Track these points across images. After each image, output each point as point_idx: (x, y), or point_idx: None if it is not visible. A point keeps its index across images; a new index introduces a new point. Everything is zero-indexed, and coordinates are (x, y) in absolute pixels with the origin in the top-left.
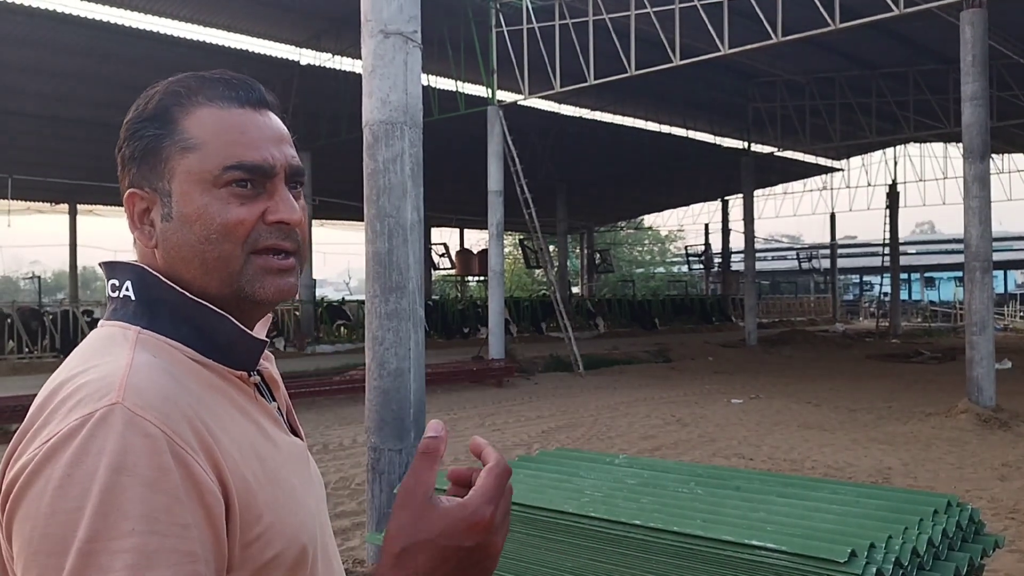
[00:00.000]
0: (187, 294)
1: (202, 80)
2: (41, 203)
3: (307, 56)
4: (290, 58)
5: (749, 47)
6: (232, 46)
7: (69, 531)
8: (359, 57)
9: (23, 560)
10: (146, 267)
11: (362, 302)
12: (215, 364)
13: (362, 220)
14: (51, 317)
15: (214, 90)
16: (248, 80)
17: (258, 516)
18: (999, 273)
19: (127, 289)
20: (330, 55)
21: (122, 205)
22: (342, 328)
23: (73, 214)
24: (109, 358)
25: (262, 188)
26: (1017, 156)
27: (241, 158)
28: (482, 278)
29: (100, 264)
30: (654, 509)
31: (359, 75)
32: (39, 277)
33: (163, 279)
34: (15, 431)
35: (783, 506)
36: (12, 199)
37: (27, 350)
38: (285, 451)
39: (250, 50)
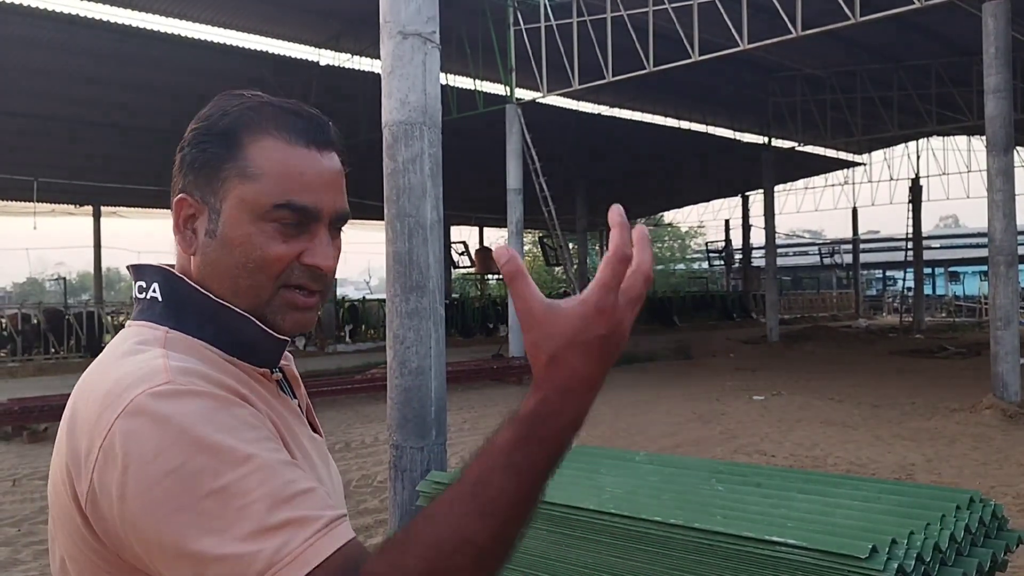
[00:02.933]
0: (212, 296)
1: (277, 110)
2: (66, 205)
3: (326, 57)
4: (309, 59)
5: (768, 42)
6: (252, 48)
7: (191, 481)
8: (378, 57)
9: (151, 527)
10: (172, 270)
11: (382, 301)
12: (239, 361)
13: (382, 219)
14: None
15: (285, 123)
16: (319, 118)
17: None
18: (1022, 267)
19: (154, 291)
20: (349, 56)
21: (144, 207)
22: (359, 329)
23: (97, 216)
24: (145, 354)
25: (305, 228)
26: None
27: (293, 198)
28: (501, 276)
29: (128, 267)
30: (675, 506)
31: (378, 75)
32: (64, 278)
33: (189, 282)
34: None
35: (804, 502)
36: (37, 201)
37: (53, 351)
38: (308, 446)
39: (269, 51)
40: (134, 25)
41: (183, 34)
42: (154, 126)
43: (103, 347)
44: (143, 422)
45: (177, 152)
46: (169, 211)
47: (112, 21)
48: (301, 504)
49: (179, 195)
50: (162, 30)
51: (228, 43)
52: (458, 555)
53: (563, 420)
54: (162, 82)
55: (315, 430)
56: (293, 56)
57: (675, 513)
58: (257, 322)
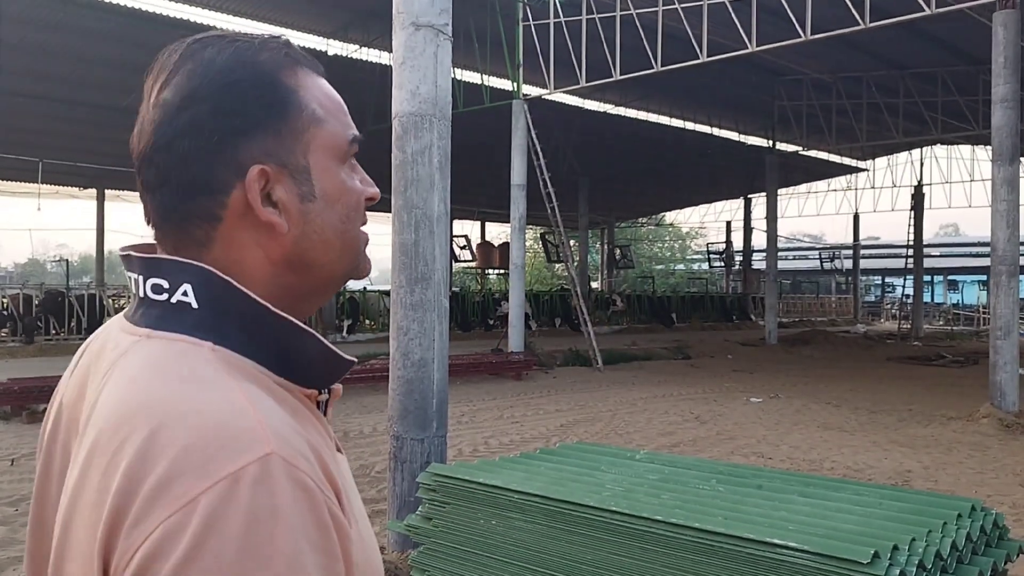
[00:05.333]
0: (268, 306)
1: (290, 46)
2: (70, 187)
3: (334, 47)
4: (317, 48)
5: (777, 45)
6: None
7: None
8: (386, 48)
9: None
10: (212, 269)
11: (382, 292)
12: (290, 385)
13: (384, 210)
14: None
15: (305, 59)
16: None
17: (357, 554)
18: (1023, 278)
19: (184, 294)
20: (357, 47)
21: None
22: (359, 320)
23: (101, 199)
24: (210, 389)
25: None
26: None
27: (354, 129)
28: (502, 271)
29: (130, 257)
30: (675, 505)
31: (385, 66)
32: (67, 261)
33: (236, 284)
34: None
35: (805, 506)
36: (42, 183)
37: (54, 332)
38: (346, 473)
39: None
40: (142, 8)
41: (192, 19)
42: None
43: None
44: (233, 513)
45: (202, 123)
46: None
47: (121, 3)
48: None
49: (256, 167)
50: (172, 15)
51: (237, 30)
52: None
53: None
54: None
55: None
56: (301, 45)
57: (676, 512)
58: (322, 339)
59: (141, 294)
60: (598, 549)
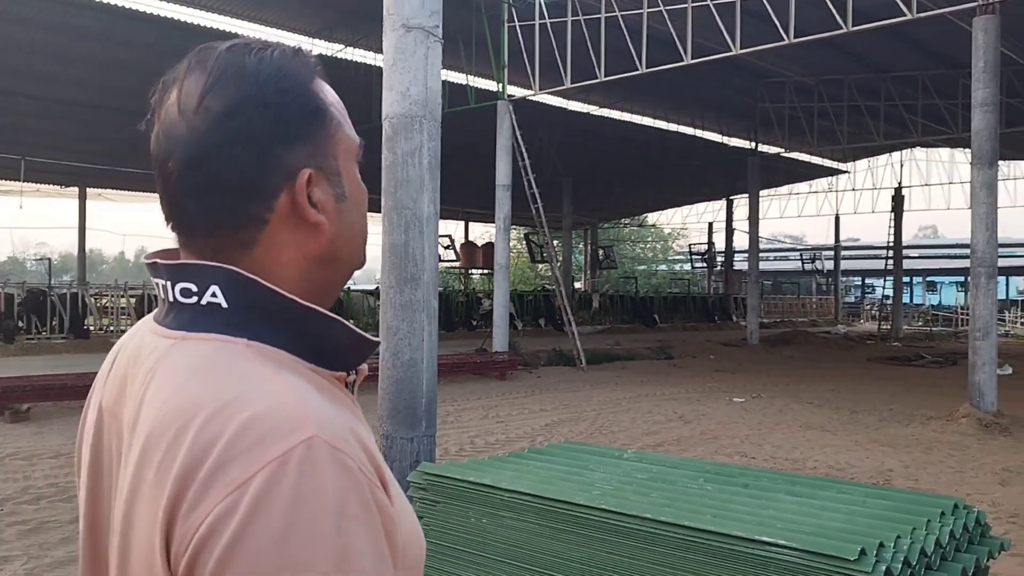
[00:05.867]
0: (293, 298)
1: (306, 53)
2: (51, 185)
3: (319, 46)
4: (303, 48)
5: (761, 47)
6: (245, 34)
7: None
8: (372, 48)
9: None
10: (238, 269)
11: (366, 292)
12: (320, 369)
13: (373, 211)
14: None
15: (315, 63)
16: None
17: (399, 534)
18: (1000, 279)
19: (213, 295)
20: (342, 46)
21: (131, 191)
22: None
23: (83, 197)
24: (251, 381)
25: None
26: (1023, 163)
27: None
28: (486, 271)
29: (156, 264)
30: (664, 503)
31: (371, 66)
32: (49, 259)
33: (262, 282)
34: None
35: (791, 504)
36: (24, 180)
37: (36, 331)
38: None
39: (263, 38)
40: (124, 6)
41: (176, 17)
42: (143, 109)
43: (86, 329)
44: (280, 493)
45: (259, 130)
46: (154, 195)
47: (103, 1)
48: None
49: (307, 171)
50: (155, 13)
51: (220, 28)
52: None
53: None
54: (151, 65)
55: None
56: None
57: (665, 511)
58: (348, 324)
59: (170, 299)
60: (588, 547)
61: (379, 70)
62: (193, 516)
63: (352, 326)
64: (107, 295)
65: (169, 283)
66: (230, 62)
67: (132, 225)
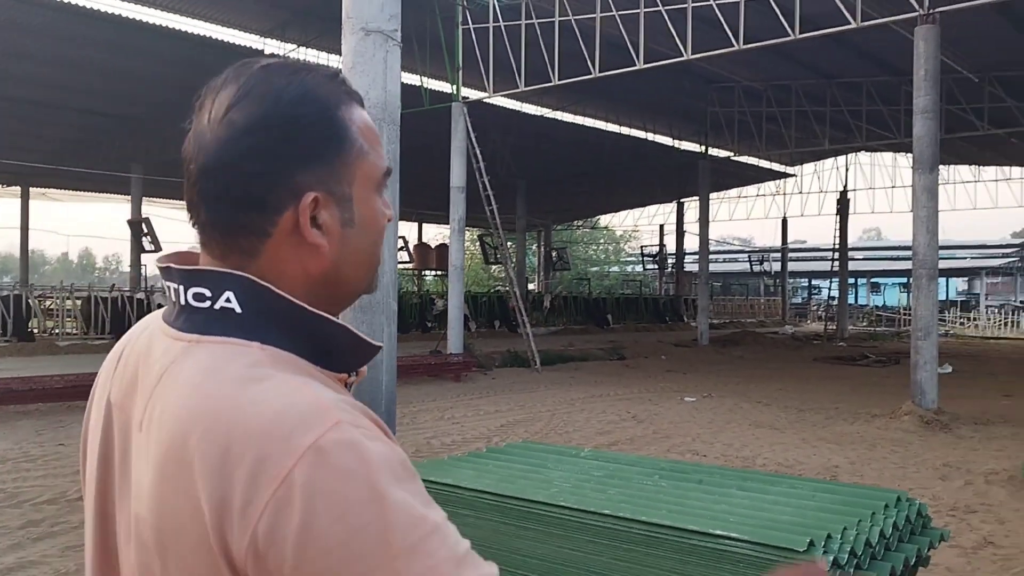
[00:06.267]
0: (302, 305)
1: (342, 80)
2: None
3: (271, 45)
4: (253, 47)
5: (711, 53)
6: (194, 32)
7: (381, 541)
8: (325, 48)
9: None
10: (251, 276)
11: None
12: (324, 370)
13: None
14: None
15: (346, 88)
16: None
17: None
18: (942, 280)
19: (227, 300)
20: (295, 46)
21: (76, 190)
22: None
23: (25, 196)
24: (269, 382)
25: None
26: (963, 167)
27: (386, 161)
28: (439, 272)
29: (169, 268)
30: (621, 500)
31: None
32: None
33: (274, 289)
34: None
35: (743, 499)
36: None
37: None
38: None
39: (212, 36)
40: (73, 2)
41: (124, 14)
42: (89, 106)
43: (30, 332)
44: (328, 473)
45: (268, 147)
46: (99, 194)
47: None
48: (471, 559)
49: (310, 195)
50: (103, 9)
51: (169, 25)
52: None
53: None
54: (98, 61)
55: None
56: (237, 43)
57: (622, 507)
58: (350, 328)
59: (182, 302)
60: (548, 543)
61: None
62: (249, 513)
63: (356, 331)
64: (52, 297)
65: (182, 287)
66: (261, 80)
67: (77, 225)
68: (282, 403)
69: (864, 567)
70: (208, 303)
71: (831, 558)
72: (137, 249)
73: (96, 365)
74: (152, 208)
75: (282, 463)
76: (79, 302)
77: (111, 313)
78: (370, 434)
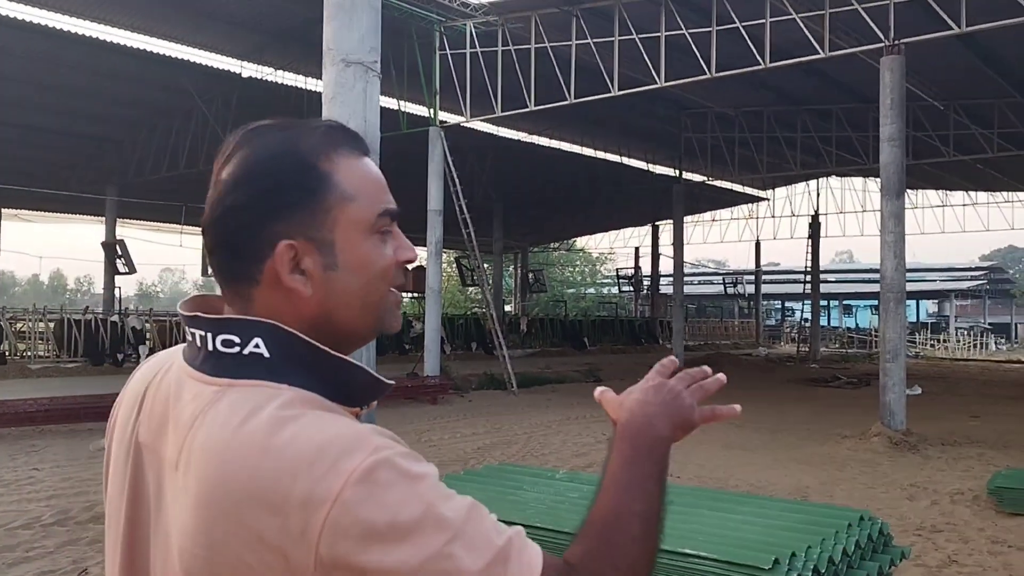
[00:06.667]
0: (324, 348)
1: (332, 131)
2: None
3: (249, 69)
4: (231, 70)
5: (684, 81)
6: (171, 55)
7: (436, 527)
8: (303, 72)
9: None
10: (277, 324)
11: None
12: (341, 407)
13: None
14: None
15: (345, 140)
16: (353, 130)
17: None
18: (912, 303)
19: (256, 346)
20: (272, 69)
21: (50, 211)
22: None
23: None
24: (308, 419)
25: (390, 229)
26: (931, 192)
27: (386, 204)
28: (416, 294)
29: (206, 319)
30: None
31: (301, 90)
32: None
33: (299, 335)
34: None
35: (713, 518)
36: None
37: None
38: None
39: (191, 60)
40: (50, 25)
41: (101, 37)
42: (66, 128)
43: (2, 354)
44: (374, 488)
45: (247, 204)
46: (73, 215)
47: (25, 20)
48: (514, 541)
49: (283, 243)
50: (80, 32)
51: (148, 49)
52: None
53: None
54: (77, 84)
55: None
56: (215, 66)
57: None
58: (367, 368)
59: (210, 347)
60: None
61: (309, 93)
62: (308, 536)
63: (371, 370)
64: (24, 319)
65: (210, 334)
66: (247, 140)
67: (49, 246)
68: (322, 436)
69: None
70: (237, 348)
71: (796, 575)
72: (111, 271)
73: (69, 389)
74: (127, 230)
75: (331, 487)
76: (51, 325)
77: (84, 336)
78: (407, 455)
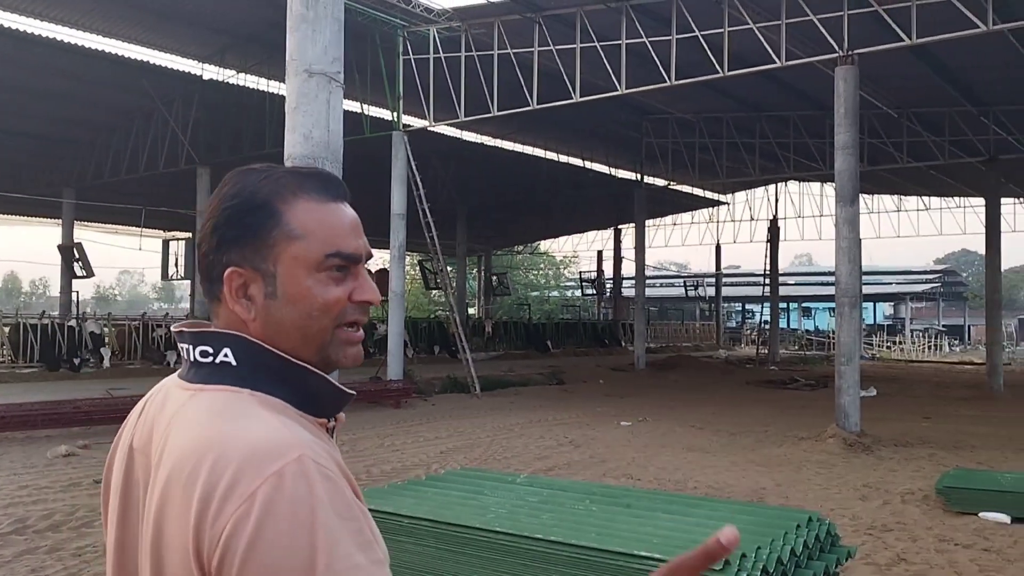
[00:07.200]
0: (288, 357)
1: (300, 176)
2: None
3: (210, 71)
4: (192, 72)
5: (645, 88)
6: (134, 57)
7: (309, 564)
8: (264, 75)
9: None
10: (244, 335)
11: None
12: (307, 415)
13: None
14: None
15: (312, 186)
16: (334, 177)
17: (374, 529)
18: (869, 305)
19: (225, 355)
20: (233, 72)
21: (13, 214)
22: None
23: None
24: (252, 420)
25: (349, 271)
26: (887, 197)
27: (339, 247)
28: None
29: (180, 332)
30: (553, 524)
31: (263, 92)
32: None
33: (263, 345)
34: None
35: (668, 521)
36: None
37: None
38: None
39: (152, 62)
40: (5, 25)
41: (59, 38)
42: (22, 129)
43: None
44: (281, 497)
45: (211, 233)
46: (29, 218)
47: None
48: None
49: (229, 269)
50: (40, 33)
51: (109, 51)
52: None
53: None
54: (34, 85)
55: None
56: (175, 68)
57: (554, 531)
58: (329, 378)
59: (191, 359)
60: (485, 568)
61: (272, 96)
62: (216, 524)
63: (333, 380)
64: (6, 326)
65: (191, 346)
66: (232, 177)
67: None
68: (259, 436)
69: None
70: (211, 358)
71: (745, 575)
72: (68, 275)
73: (26, 395)
74: (84, 232)
75: (251, 484)
76: (7, 329)
77: (40, 341)
78: (328, 472)
